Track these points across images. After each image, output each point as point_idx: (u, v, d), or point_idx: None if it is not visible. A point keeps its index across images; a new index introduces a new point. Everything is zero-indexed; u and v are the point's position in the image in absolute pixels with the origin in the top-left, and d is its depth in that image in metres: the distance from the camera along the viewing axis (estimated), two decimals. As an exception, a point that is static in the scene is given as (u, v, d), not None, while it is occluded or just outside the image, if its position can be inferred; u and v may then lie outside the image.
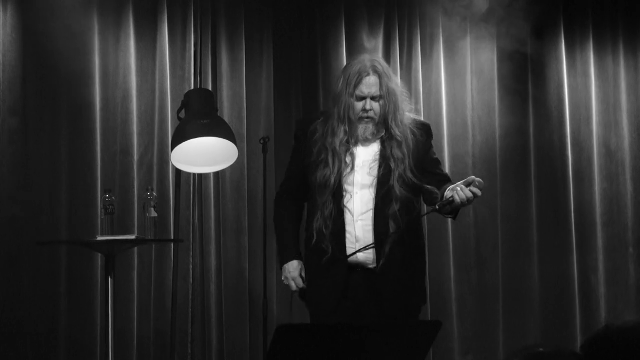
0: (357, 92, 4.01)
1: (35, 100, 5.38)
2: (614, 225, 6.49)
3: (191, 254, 5.58)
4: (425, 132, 4.16)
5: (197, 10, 5.77)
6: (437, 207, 3.93)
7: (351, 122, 4.03)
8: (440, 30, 6.26)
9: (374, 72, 4.03)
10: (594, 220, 6.46)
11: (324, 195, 4.03)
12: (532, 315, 6.31)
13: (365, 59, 4.12)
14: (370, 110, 4.01)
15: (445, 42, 6.27)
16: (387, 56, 6.07)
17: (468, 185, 3.86)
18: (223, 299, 5.68)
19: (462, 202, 3.84)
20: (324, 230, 4.03)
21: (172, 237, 5.37)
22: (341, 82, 4.05)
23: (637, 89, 6.61)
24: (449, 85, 6.27)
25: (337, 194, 4.03)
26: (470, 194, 3.83)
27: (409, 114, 4.14)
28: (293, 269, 4.15)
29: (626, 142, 6.54)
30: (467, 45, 6.30)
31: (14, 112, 5.33)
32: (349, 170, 4.04)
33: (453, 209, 3.92)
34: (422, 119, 4.16)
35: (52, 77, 5.39)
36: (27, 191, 5.32)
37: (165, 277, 5.52)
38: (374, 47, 6.07)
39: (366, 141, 4.08)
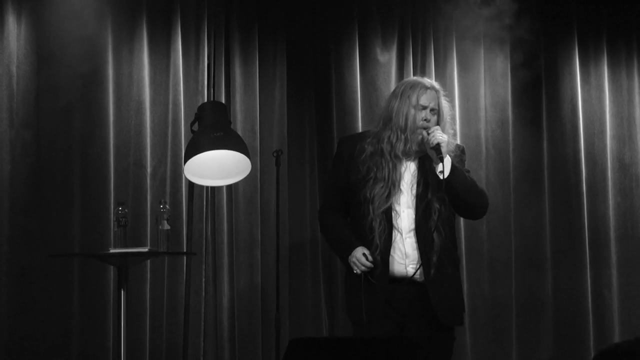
0: (421, 102, 4.26)
1: (49, 113, 5.39)
2: (628, 240, 6.47)
3: (204, 267, 5.58)
4: (459, 150, 4.41)
5: (210, 23, 5.77)
6: (439, 170, 4.14)
7: (412, 132, 4.26)
8: (454, 44, 6.26)
9: (432, 88, 4.33)
10: (608, 234, 6.44)
11: (375, 210, 4.22)
12: (545, 330, 6.28)
13: (418, 78, 4.43)
14: (429, 120, 4.27)
15: (458, 56, 6.26)
16: (401, 69, 6.07)
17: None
18: (235, 313, 5.67)
19: (434, 137, 4.15)
20: (377, 242, 4.20)
21: (185, 250, 5.35)
22: (398, 98, 4.31)
23: (651, 102, 6.60)
24: (462, 99, 6.26)
25: (388, 212, 4.22)
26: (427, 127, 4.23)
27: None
28: (358, 254, 4.22)
29: (640, 156, 6.53)
30: (480, 59, 6.29)
31: (28, 124, 5.34)
32: (396, 189, 4.24)
33: (438, 149, 4.13)
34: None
35: (65, 90, 5.40)
36: (40, 203, 5.33)
37: (177, 290, 5.51)
38: (387, 61, 6.06)
39: (417, 153, 4.28)
